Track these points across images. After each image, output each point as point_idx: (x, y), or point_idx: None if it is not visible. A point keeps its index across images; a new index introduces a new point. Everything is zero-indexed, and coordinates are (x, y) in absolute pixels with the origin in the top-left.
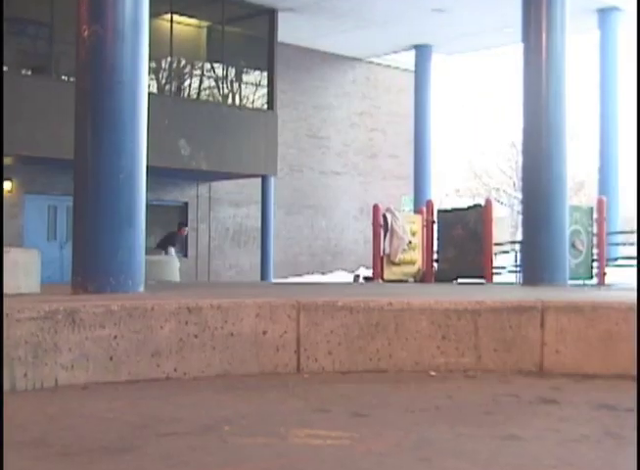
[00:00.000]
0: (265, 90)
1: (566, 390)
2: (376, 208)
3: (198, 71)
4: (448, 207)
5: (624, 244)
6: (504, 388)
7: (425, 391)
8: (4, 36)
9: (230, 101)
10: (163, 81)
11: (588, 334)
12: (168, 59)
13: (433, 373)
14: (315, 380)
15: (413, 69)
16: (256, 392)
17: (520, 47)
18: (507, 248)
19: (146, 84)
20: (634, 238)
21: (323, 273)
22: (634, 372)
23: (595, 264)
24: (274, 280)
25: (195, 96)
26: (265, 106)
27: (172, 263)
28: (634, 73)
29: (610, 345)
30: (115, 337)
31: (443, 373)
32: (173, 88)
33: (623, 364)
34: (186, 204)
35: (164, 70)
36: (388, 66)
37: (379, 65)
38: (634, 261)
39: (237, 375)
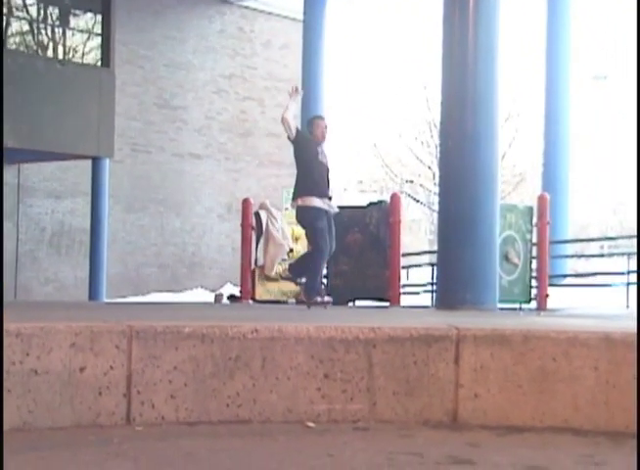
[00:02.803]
0: (99, 40)
1: (486, 447)
2: (247, 203)
3: (4, 10)
4: (344, 204)
5: (577, 256)
6: (405, 444)
7: (299, 448)
8: None
9: (50, 52)
10: None
11: (517, 373)
12: None
13: (311, 424)
14: (151, 434)
15: (301, 17)
16: (68, 451)
17: None
18: (423, 260)
19: None
20: (591, 249)
21: (176, 292)
22: (576, 424)
23: (535, 283)
24: (108, 300)
25: None
26: (99, 62)
27: None
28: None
29: (545, 388)
30: None
31: (325, 424)
32: None
33: (561, 413)
34: None
35: None
36: (269, 12)
37: (255, 10)
38: (590, 280)
39: (42, 428)
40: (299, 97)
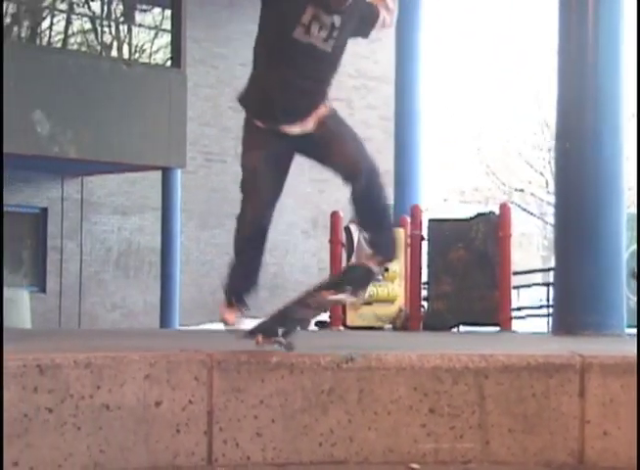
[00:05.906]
0: (168, 37)
1: None
2: (336, 217)
3: (63, 6)
4: (445, 216)
5: None
6: None
7: None
8: None
9: (114, 52)
10: (8, 21)
11: None
12: None
13: (415, 465)
14: None
15: None
16: None
17: None
18: (535, 279)
19: None
20: None
21: (257, 318)
22: None
23: None
24: (181, 327)
25: (59, 44)
26: (168, 61)
27: (20, 302)
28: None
29: None
30: None
31: (431, 465)
32: (24, 32)
33: None
34: (44, 210)
35: (9, 2)
36: None
37: None
38: None
39: (114, 469)
40: None
